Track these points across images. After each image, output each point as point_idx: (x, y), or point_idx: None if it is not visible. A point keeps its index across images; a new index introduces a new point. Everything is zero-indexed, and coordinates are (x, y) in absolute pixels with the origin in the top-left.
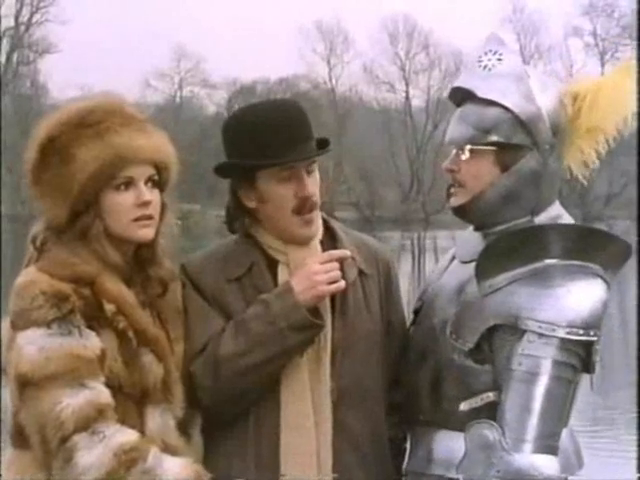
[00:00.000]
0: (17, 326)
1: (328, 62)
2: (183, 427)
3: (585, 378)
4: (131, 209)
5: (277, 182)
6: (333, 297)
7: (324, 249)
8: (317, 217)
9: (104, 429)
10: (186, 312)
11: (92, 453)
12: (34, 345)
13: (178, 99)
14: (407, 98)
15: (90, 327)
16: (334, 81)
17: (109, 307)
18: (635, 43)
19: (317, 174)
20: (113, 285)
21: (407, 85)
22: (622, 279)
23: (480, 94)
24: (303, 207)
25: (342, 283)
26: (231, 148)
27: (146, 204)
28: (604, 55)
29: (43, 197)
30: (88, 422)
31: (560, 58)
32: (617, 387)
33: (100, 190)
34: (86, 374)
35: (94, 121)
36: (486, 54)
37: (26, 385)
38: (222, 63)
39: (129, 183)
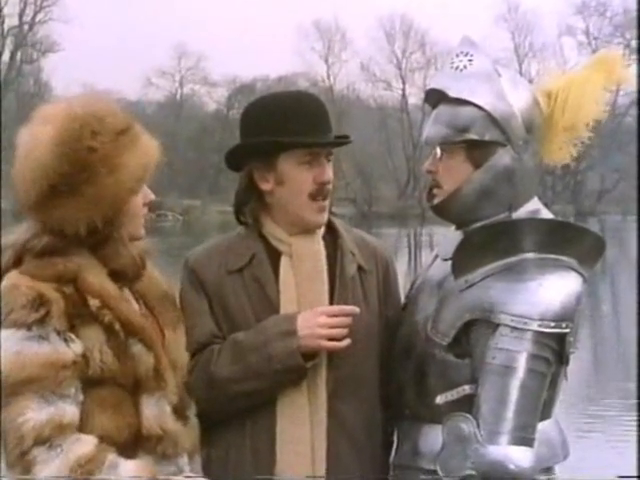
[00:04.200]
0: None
1: (326, 60)
2: (180, 410)
3: (576, 372)
4: (142, 209)
5: (298, 164)
6: (332, 292)
7: (326, 245)
8: (328, 206)
9: (62, 442)
10: (181, 301)
11: (50, 467)
12: (13, 347)
13: (179, 97)
14: (403, 96)
15: (75, 326)
16: (332, 79)
17: (93, 302)
18: (625, 41)
19: (332, 165)
20: (95, 279)
21: (403, 83)
22: (614, 274)
23: (452, 94)
24: (320, 193)
25: (342, 343)
26: (254, 128)
27: (151, 202)
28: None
29: (63, 206)
30: (47, 438)
31: (554, 56)
32: (610, 380)
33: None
34: (57, 383)
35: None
36: (457, 56)
37: (1, 384)
38: (222, 61)
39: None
